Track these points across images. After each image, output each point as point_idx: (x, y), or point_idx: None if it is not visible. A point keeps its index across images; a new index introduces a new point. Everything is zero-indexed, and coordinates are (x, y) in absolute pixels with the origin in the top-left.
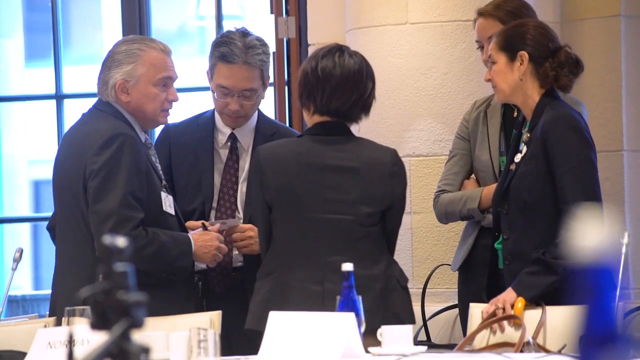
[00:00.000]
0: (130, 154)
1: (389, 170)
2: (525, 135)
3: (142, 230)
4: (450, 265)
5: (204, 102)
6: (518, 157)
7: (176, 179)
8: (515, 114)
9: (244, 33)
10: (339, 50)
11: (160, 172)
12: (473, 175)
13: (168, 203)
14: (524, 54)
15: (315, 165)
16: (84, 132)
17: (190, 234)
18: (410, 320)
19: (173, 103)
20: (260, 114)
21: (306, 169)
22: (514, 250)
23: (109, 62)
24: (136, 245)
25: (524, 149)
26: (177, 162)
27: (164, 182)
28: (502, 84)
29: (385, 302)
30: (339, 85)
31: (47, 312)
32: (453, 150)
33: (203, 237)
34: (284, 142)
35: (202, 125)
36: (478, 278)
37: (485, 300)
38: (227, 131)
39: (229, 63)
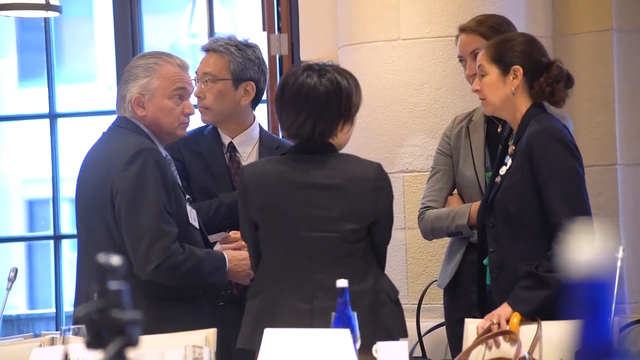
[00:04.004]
0: (156, 169)
1: (372, 186)
2: (511, 148)
3: (179, 246)
4: None
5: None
6: (503, 170)
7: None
8: (500, 129)
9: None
10: (307, 69)
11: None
12: (456, 191)
13: (193, 216)
14: (518, 69)
15: (298, 183)
16: (107, 150)
17: (226, 252)
18: (402, 333)
19: (190, 116)
20: (262, 128)
21: (290, 187)
22: (500, 263)
23: (126, 77)
24: (174, 261)
25: (509, 161)
26: (192, 171)
27: (187, 195)
28: (492, 97)
29: (374, 316)
30: (303, 109)
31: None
32: (435, 167)
33: (238, 256)
34: (268, 160)
35: (209, 135)
36: (467, 294)
37: (479, 316)
38: (227, 141)
39: (202, 54)
